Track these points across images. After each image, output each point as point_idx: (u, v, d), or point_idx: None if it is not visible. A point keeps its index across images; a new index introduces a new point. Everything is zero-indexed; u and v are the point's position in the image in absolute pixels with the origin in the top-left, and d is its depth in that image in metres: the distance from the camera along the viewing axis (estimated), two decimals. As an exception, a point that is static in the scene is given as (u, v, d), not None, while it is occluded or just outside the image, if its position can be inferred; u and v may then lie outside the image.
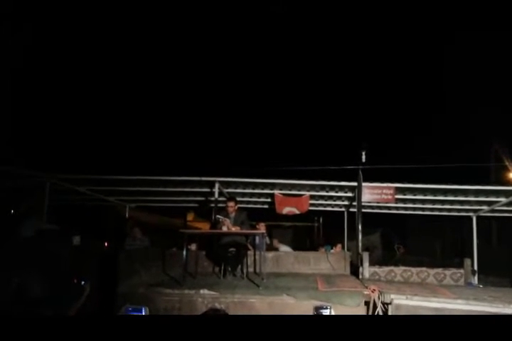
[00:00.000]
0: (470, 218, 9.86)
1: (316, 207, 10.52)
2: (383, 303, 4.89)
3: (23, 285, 4.19)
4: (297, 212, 9.21)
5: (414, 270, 7.55)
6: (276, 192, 9.13)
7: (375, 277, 7.24)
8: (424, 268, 7.63)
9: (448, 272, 7.59)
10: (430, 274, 7.50)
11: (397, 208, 10.25)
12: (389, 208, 10.28)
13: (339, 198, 9.79)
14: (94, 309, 5.10)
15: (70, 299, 4.81)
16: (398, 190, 8.49)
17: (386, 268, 7.56)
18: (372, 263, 7.64)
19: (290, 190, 9.15)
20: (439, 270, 7.62)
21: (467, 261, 7.84)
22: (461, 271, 7.62)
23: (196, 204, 11.03)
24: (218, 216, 6.63)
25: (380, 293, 4.97)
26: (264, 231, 7.28)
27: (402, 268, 7.64)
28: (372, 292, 5.03)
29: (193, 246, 7.50)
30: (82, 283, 5.08)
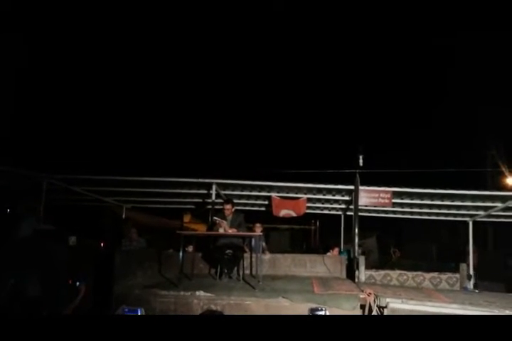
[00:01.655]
0: (466, 223, 9.88)
1: (313, 210, 10.53)
2: (379, 307, 4.89)
3: (19, 285, 4.18)
4: (294, 214, 9.22)
5: (410, 274, 7.56)
6: (273, 194, 9.13)
7: (371, 280, 7.25)
8: (419, 273, 7.65)
9: (444, 276, 7.61)
10: (426, 278, 7.52)
11: (394, 212, 10.26)
12: (386, 212, 10.30)
13: (336, 201, 9.79)
14: (90, 309, 5.09)
15: (66, 299, 4.80)
16: (395, 194, 8.50)
17: (382, 272, 7.57)
18: (368, 267, 7.65)
19: (287, 193, 9.15)
20: (435, 274, 7.63)
21: (463, 266, 7.86)
22: (457, 275, 7.64)
23: (193, 206, 11.03)
24: (215, 218, 6.63)
25: (376, 296, 4.98)
26: (261, 233, 7.29)
27: (398, 271, 7.66)
28: (368, 295, 5.03)
29: (190, 248, 7.48)
30: (77, 283, 5.07)
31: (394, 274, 7.55)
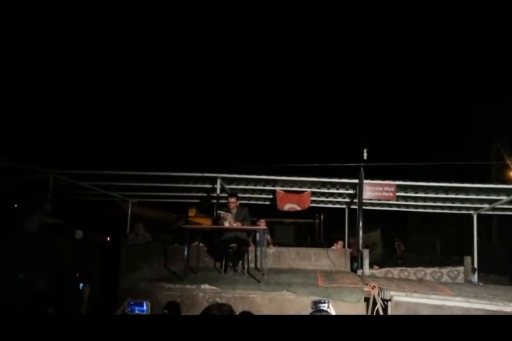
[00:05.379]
0: (471, 216, 9.87)
1: (318, 203, 10.55)
2: (383, 300, 4.91)
3: (28, 280, 4.22)
4: (298, 208, 9.24)
5: (411, 270, 7.57)
6: (277, 188, 9.16)
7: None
8: (420, 268, 7.65)
9: (445, 270, 7.61)
10: (427, 273, 7.53)
11: (398, 205, 10.26)
12: (390, 205, 10.29)
13: (340, 195, 9.80)
14: (97, 303, 5.15)
15: (73, 297, 4.85)
16: (399, 188, 8.50)
17: (383, 270, 7.59)
18: (372, 260, 7.66)
19: (291, 187, 9.17)
20: (436, 268, 7.64)
21: (467, 259, 7.85)
22: (458, 268, 7.65)
23: (198, 200, 11.08)
24: (220, 211, 6.66)
25: (380, 289, 5.00)
26: (265, 227, 7.33)
27: (399, 268, 7.67)
28: (372, 288, 5.05)
29: (195, 242, 7.53)
30: (81, 285, 5.10)
31: (395, 271, 7.56)
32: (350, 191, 9.17)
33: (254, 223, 7.90)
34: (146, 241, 8.25)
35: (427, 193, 8.96)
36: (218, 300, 5.12)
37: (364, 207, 8.36)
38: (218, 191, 8.67)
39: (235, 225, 6.47)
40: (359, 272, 6.98)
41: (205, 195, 10.09)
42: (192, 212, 13.04)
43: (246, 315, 3.46)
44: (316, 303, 2.67)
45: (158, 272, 6.41)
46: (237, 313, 3.12)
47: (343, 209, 10.68)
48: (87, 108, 16.96)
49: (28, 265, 4.35)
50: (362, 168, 7.97)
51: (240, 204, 7.04)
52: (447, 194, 8.86)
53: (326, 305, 2.64)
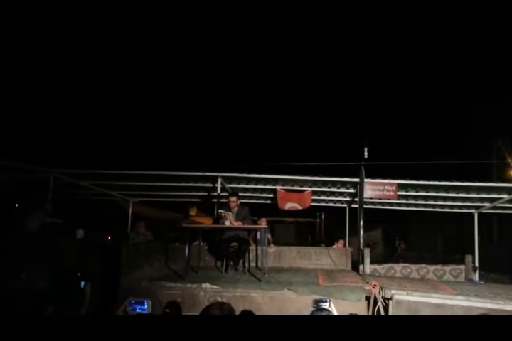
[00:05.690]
0: (472, 214, 9.85)
1: (318, 202, 10.53)
2: (384, 298, 4.91)
3: (29, 280, 4.22)
4: (299, 207, 9.23)
5: (413, 267, 7.56)
6: (278, 187, 9.15)
7: (375, 274, 7.26)
8: (423, 265, 7.65)
9: (447, 268, 7.61)
10: (430, 270, 7.52)
11: (399, 204, 10.24)
12: (391, 204, 10.28)
13: (341, 194, 9.79)
14: (99, 302, 5.15)
15: (74, 296, 4.85)
16: (400, 187, 8.48)
17: (386, 266, 7.58)
18: (373, 259, 7.65)
19: (292, 186, 9.17)
20: (439, 266, 7.64)
21: (468, 258, 7.85)
22: (461, 266, 7.64)
23: (199, 199, 11.06)
24: (220, 211, 6.66)
25: (381, 288, 5.00)
26: (266, 226, 7.33)
27: (402, 264, 7.66)
28: (373, 287, 5.05)
29: (196, 241, 7.54)
30: (82, 284, 5.10)
31: (398, 267, 7.55)
32: (351, 190, 9.16)
33: (254, 222, 7.90)
34: (147, 240, 8.25)
35: (427, 192, 8.95)
36: (219, 299, 5.11)
37: (365, 206, 8.35)
38: (219, 190, 8.67)
39: (235, 224, 6.47)
40: (360, 269, 6.97)
41: (206, 194, 10.08)
42: (193, 212, 13.01)
43: (247, 314, 3.46)
44: (317, 302, 2.67)
45: (159, 271, 6.41)
46: (238, 312, 3.12)
47: (344, 208, 10.67)
48: (88, 107, 16.96)
49: (29, 264, 4.34)
50: (363, 167, 7.96)
51: (241, 203, 7.05)
52: (448, 193, 8.85)
53: (328, 303, 2.64)
